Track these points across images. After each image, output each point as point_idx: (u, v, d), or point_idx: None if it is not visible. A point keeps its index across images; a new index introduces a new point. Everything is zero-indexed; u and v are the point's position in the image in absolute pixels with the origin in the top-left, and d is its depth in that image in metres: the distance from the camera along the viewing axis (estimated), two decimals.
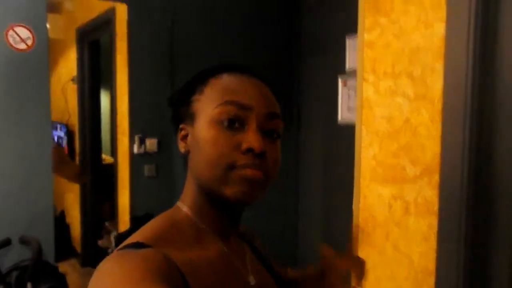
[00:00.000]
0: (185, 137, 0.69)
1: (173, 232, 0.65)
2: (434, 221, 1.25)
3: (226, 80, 0.68)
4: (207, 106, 0.66)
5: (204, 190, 0.67)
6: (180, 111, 0.70)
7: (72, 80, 3.81)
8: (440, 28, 1.24)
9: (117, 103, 2.81)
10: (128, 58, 2.54)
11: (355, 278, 0.76)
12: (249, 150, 0.63)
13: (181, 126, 0.70)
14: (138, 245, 0.59)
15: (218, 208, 0.68)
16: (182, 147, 0.69)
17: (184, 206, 0.69)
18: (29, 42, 1.84)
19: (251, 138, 0.63)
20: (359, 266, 0.80)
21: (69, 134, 3.97)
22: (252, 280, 0.69)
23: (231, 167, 0.63)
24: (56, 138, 3.99)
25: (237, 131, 0.64)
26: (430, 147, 1.27)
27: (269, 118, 0.67)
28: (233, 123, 0.64)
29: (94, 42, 3.60)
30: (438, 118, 1.26)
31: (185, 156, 0.70)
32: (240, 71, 0.70)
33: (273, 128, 0.68)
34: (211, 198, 0.67)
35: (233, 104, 0.64)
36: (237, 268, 0.69)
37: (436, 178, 1.25)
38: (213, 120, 0.64)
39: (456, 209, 1.20)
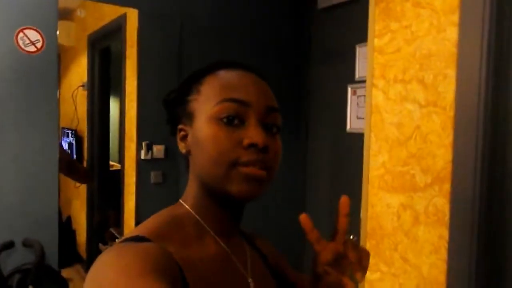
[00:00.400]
0: (184, 138, 0.69)
1: (173, 228, 0.64)
2: (445, 232, 1.21)
3: (222, 77, 0.67)
4: (205, 105, 0.65)
5: (207, 189, 0.66)
6: (177, 112, 0.70)
7: (82, 86, 3.83)
8: (452, 33, 1.21)
9: (125, 110, 2.81)
10: (137, 65, 2.55)
11: (357, 272, 0.69)
12: (252, 145, 0.62)
13: (179, 127, 0.70)
14: (138, 239, 0.59)
15: (221, 206, 0.67)
16: (182, 147, 0.69)
17: (186, 203, 0.69)
18: (39, 45, 1.84)
19: (252, 133, 0.62)
20: (360, 255, 0.72)
21: (78, 140, 3.99)
22: (251, 280, 0.69)
23: (234, 164, 0.62)
24: (66, 145, 4.01)
25: (237, 127, 0.63)
26: (441, 155, 1.23)
27: (268, 112, 0.66)
28: (232, 120, 0.63)
29: (104, 49, 3.63)
30: (449, 125, 1.22)
31: (186, 157, 0.69)
32: (235, 67, 0.69)
33: (273, 122, 0.67)
34: (214, 196, 0.66)
35: (232, 101, 0.64)
36: (237, 267, 0.68)
37: (447, 186, 1.21)
38: (212, 118, 0.64)
39: (468, 219, 1.16)
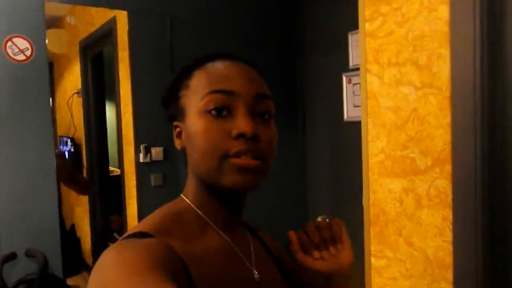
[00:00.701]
0: (179, 134, 0.69)
1: (175, 223, 0.64)
2: (448, 213, 1.20)
3: (209, 69, 0.67)
4: (194, 99, 0.65)
5: (203, 182, 0.66)
6: (171, 109, 0.71)
7: (77, 93, 3.81)
8: (444, 12, 1.19)
9: (121, 113, 2.79)
10: (130, 68, 2.53)
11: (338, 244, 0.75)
12: (241, 136, 0.61)
13: (174, 124, 0.70)
14: (140, 235, 0.59)
15: (219, 199, 0.67)
16: (178, 144, 0.70)
17: (187, 198, 0.69)
18: (28, 53, 1.83)
19: (240, 123, 0.62)
20: (331, 231, 0.79)
21: (76, 147, 3.97)
22: (256, 273, 0.68)
23: (225, 156, 0.61)
24: (66, 154, 3.99)
25: (227, 118, 0.63)
26: (440, 136, 1.22)
27: (258, 99, 0.65)
28: (221, 112, 0.63)
29: (97, 54, 3.61)
30: (447, 106, 1.21)
31: (183, 153, 0.69)
32: (222, 58, 0.69)
33: (264, 109, 0.66)
34: (211, 190, 0.66)
35: (218, 92, 0.63)
36: (241, 260, 0.68)
37: (448, 168, 1.20)
38: (201, 111, 0.63)
39: (471, 199, 1.14)
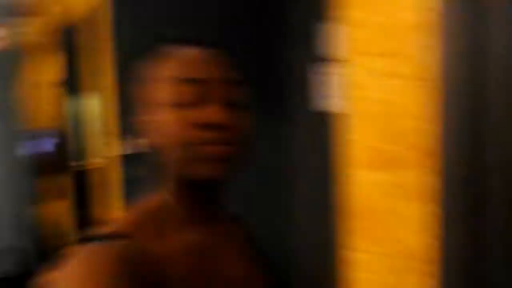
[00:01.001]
0: (146, 130, 0.68)
1: (150, 220, 0.64)
2: (436, 208, 1.17)
3: (174, 57, 0.65)
4: (158, 91, 0.64)
5: (173, 176, 0.65)
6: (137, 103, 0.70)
7: (59, 83, 3.74)
8: (434, 0, 1.16)
9: (104, 105, 2.75)
10: (112, 57, 2.49)
11: None
12: (207, 125, 0.60)
13: (140, 119, 0.69)
14: (112, 236, 0.57)
15: (192, 192, 0.66)
16: (145, 141, 0.69)
17: (161, 194, 0.68)
18: (3, 42, 1.76)
19: (207, 112, 0.60)
20: None
21: (60, 139, 3.93)
22: (231, 270, 0.67)
23: (191, 146, 0.60)
24: (51, 146, 3.95)
25: (194, 107, 0.61)
26: (429, 130, 1.19)
27: (226, 87, 0.63)
28: (187, 101, 0.61)
29: (77, 44, 3.54)
30: (436, 99, 1.18)
31: (153, 148, 0.68)
32: (188, 44, 0.67)
33: (234, 96, 0.64)
34: (181, 183, 0.65)
35: (185, 81, 0.62)
36: (216, 257, 0.67)
37: (436, 162, 1.17)
38: (165, 102, 0.62)
39: (458, 193, 1.12)
